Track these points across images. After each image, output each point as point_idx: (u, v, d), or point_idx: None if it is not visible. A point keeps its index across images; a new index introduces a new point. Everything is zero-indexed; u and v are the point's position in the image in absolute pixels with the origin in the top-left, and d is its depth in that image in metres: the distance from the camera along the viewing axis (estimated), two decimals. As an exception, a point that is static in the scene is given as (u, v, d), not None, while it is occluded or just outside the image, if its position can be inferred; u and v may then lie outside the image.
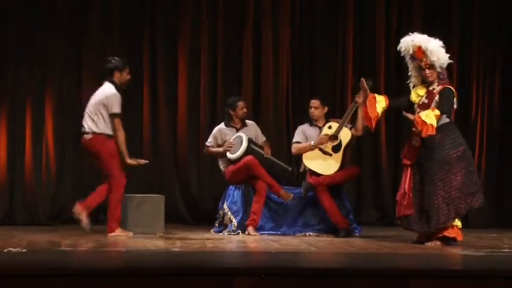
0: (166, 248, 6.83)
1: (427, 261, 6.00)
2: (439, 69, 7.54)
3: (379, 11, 10.27)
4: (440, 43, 7.59)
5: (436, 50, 7.54)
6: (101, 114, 7.96)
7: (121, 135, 7.94)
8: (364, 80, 7.85)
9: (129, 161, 7.96)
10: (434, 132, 7.28)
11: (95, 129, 7.96)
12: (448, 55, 7.59)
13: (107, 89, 8.03)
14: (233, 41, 10.07)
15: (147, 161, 8.26)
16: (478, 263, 5.96)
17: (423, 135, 7.32)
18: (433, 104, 7.43)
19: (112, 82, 8.04)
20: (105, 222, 9.47)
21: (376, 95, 7.84)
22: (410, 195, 7.48)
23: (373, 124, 7.82)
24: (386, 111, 8.07)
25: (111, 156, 7.94)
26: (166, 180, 9.85)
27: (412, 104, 7.64)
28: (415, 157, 7.52)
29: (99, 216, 9.62)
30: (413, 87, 7.69)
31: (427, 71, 7.54)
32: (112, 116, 7.93)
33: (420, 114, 7.34)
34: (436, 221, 7.34)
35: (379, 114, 7.78)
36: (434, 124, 7.27)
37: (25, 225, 9.16)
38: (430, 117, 7.28)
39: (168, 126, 9.93)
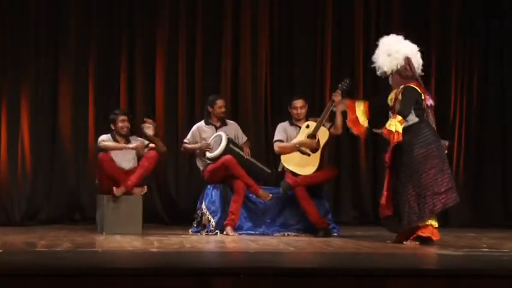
0: (144, 248, 6.78)
1: (405, 260, 5.99)
2: (396, 74, 7.48)
3: (357, 9, 10.27)
4: (388, 48, 7.47)
5: (380, 58, 7.52)
6: None
7: None
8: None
9: None
10: (400, 139, 7.28)
11: None
12: (403, 55, 7.41)
13: None
14: (211, 42, 10.03)
15: None
16: (455, 262, 5.95)
17: (392, 143, 7.35)
18: (397, 105, 7.42)
19: None
20: (80, 222, 9.48)
21: (356, 110, 7.78)
22: (389, 196, 7.48)
23: (362, 131, 7.82)
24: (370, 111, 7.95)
25: None
26: (144, 180, 9.79)
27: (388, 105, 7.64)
28: (391, 159, 7.53)
29: (74, 216, 9.59)
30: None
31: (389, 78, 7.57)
32: None
33: (386, 125, 7.37)
34: (407, 221, 7.32)
35: (366, 124, 7.73)
36: (400, 130, 7.28)
37: (1, 226, 9.09)
38: (393, 125, 7.30)
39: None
